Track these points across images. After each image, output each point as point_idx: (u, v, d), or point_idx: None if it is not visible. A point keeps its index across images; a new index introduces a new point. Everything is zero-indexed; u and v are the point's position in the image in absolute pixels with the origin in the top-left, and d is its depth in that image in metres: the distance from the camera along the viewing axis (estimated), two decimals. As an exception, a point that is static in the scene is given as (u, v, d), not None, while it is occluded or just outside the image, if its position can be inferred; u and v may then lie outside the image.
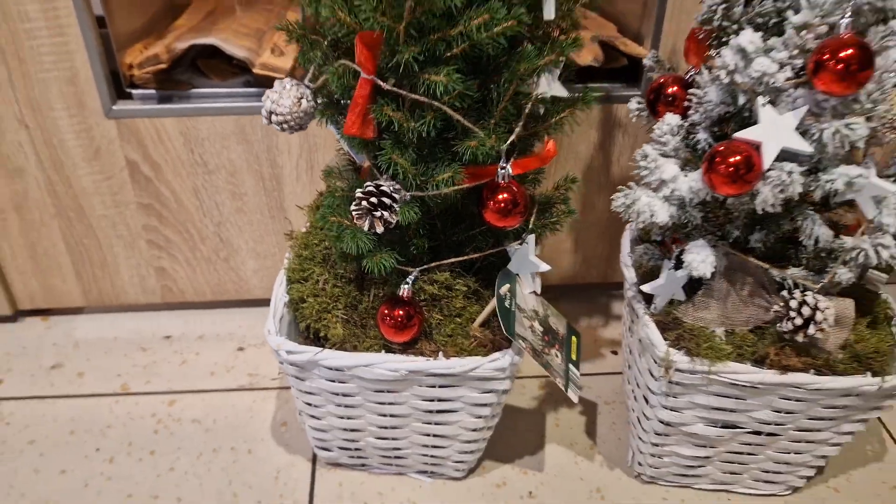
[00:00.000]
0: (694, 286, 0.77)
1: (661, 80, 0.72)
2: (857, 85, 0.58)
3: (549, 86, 0.67)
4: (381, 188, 0.66)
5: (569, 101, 0.68)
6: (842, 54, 0.57)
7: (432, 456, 0.87)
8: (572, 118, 0.69)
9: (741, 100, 0.63)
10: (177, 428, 0.97)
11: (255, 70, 0.94)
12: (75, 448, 0.94)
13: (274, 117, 0.69)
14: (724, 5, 0.64)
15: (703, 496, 0.89)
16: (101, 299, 1.13)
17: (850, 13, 0.57)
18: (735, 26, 0.64)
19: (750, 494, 0.89)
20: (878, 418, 1.00)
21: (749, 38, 0.60)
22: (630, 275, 0.84)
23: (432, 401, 0.78)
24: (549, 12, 0.63)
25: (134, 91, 0.97)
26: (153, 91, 0.97)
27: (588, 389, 1.03)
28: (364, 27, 0.58)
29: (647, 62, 0.82)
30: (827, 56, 0.57)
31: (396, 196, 0.67)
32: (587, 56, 0.95)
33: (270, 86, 0.69)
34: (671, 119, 0.69)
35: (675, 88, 0.71)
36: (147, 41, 1.02)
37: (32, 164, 0.99)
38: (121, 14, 0.97)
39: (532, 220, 0.76)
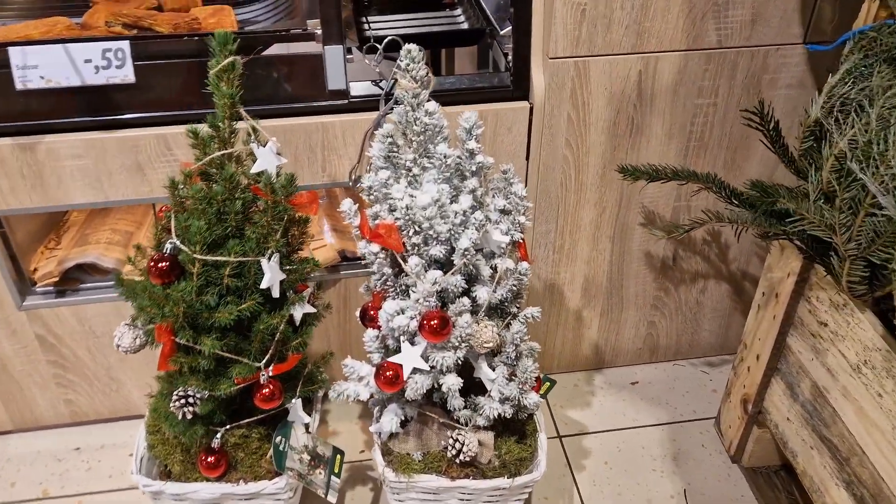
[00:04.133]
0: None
1: (366, 306, 1.16)
2: (443, 337, 1.02)
3: (297, 314, 1.11)
4: (188, 393, 1.09)
5: (303, 330, 1.11)
6: (433, 322, 1.01)
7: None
8: (307, 338, 1.13)
9: (393, 339, 1.07)
10: (83, 522, 1.38)
11: (124, 276, 1.35)
12: (10, 543, 1.35)
13: (120, 347, 1.11)
14: (382, 279, 1.08)
15: (441, 546, 1.34)
16: (25, 423, 1.52)
17: (436, 299, 1.02)
18: (392, 290, 1.09)
19: (472, 543, 1.35)
20: (573, 479, 1.47)
21: (390, 307, 1.04)
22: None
23: (243, 508, 1.22)
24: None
25: (37, 288, 1.37)
26: (52, 288, 1.37)
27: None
28: (160, 320, 1.01)
29: (361, 289, 1.24)
30: (425, 322, 1.02)
31: (198, 397, 1.09)
32: (327, 257, 1.38)
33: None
34: (371, 333, 1.13)
35: (374, 312, 1.15)
36: (48, 242, 1.42)
37: (-34, 342, 1.38)
38: (20, 228, 1.37)
39: (299, 388, 1.20)
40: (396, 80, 1.18)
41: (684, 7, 1.23)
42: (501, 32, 1.27)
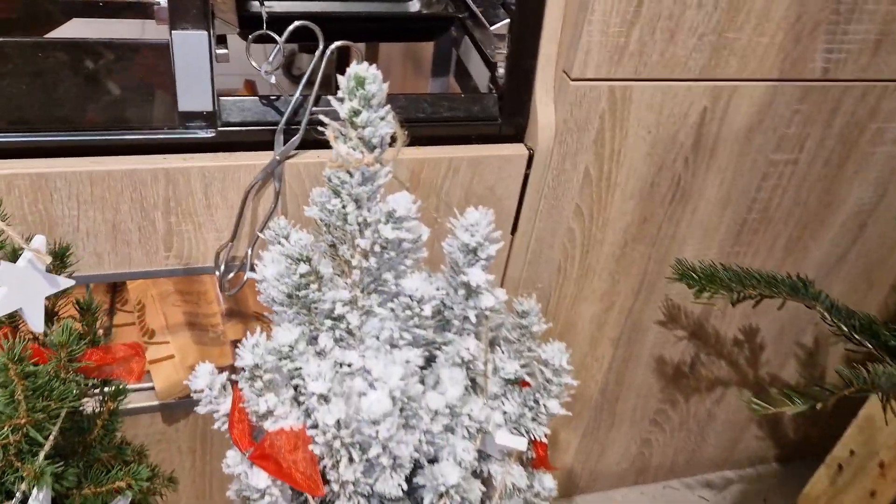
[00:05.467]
0: None
1: None
2: None
3: None
4: None
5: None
6: None
7: None
8: None
9: None
10: None
11: None
12: None
13: None
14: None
15: None
16: None
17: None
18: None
19: None
20: None
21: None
22: None
23: None
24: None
25: None
26: None
27: None
28: None
29: (230, 495, 0.70)
30: None
31: None
32: (171, 382, 0.83)
33: None
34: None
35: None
36: None
37: None
38: None
39: None
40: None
41: (790, 12, 0.76)
42: (492, 28, 0.74)
